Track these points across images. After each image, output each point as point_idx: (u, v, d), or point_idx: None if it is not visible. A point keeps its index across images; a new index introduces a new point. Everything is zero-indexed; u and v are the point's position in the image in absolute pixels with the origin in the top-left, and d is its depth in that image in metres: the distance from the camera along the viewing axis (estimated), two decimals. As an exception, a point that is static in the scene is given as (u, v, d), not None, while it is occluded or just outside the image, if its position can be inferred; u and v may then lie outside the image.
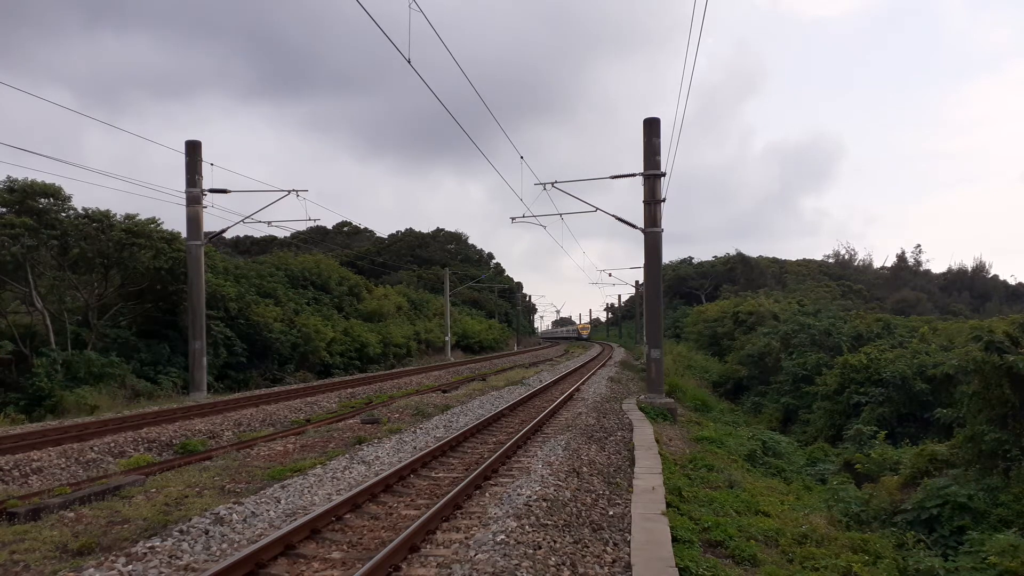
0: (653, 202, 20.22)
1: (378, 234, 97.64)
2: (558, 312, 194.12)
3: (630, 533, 7.48)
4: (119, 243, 24.46)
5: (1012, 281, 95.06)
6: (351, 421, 16.45)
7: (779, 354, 34.63)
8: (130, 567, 5.95)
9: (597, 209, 22.92)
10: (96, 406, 19.32)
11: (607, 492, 9.44)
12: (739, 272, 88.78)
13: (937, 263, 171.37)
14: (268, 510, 7.93)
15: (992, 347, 13.80)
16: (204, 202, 24.70)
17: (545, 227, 54.31)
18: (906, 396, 21.50)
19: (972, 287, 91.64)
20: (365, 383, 27.01)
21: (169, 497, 8.72)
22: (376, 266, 75.50)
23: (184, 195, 24.55)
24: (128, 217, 25.60)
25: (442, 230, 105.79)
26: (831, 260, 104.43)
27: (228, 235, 46.34)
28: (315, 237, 79.93)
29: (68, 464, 11.78)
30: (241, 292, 30.90)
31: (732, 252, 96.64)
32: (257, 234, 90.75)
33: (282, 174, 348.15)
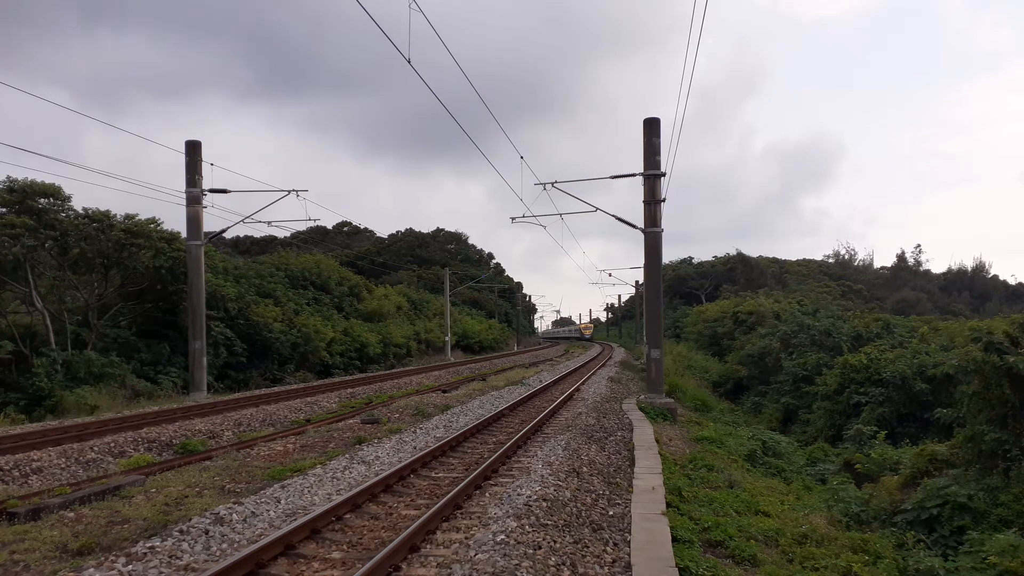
0: (653, 202, 20.22)
1: (378, 234, 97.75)
2: (558, 312, 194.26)
3: (630, 533, 7.48)
4: (119, 243, 24.46)
5: (1012, 281, 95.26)
6: (351, 421, 16.45)
7: (779, 354, 34.63)
8: (130, 567, 5.95)
9: (597, 209, 22.93)
10: (96, 406, 19.31)
11: (607, 492, 9.44)
12: (739, 272, 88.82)
13: (937, 263, 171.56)
14: (268, 510, 7.93)
15: (992, 347, 13.80)
16: (204, 202, 24.70)
17: (545, 227, 54.38)
18: (906, 396, 21.49)
19: (972, 287, 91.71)
20: (365, 383, 27.01)
21: (169, 497, 8.72)
22: (376, 266, 75.51)
23: (184, 195, 24.56)
24: (128, 217, 25.59)
25: (442, 230, 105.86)
26: (831, 260, 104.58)
27: (228, 235, 46.35)
28: (315, 237, 79.93)
29: (68, 464, 11.78)
30: (241, 292, 30.90)
31: (732, 252, 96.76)
32: (257, 234, 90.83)
33: (281, 174, 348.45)
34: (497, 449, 11.84)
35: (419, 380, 29.79)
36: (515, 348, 78.52)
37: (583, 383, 25.80)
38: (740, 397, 36.27)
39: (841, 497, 13.67)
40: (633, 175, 20.87)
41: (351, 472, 10.14)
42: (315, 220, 42.36)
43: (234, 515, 7.59)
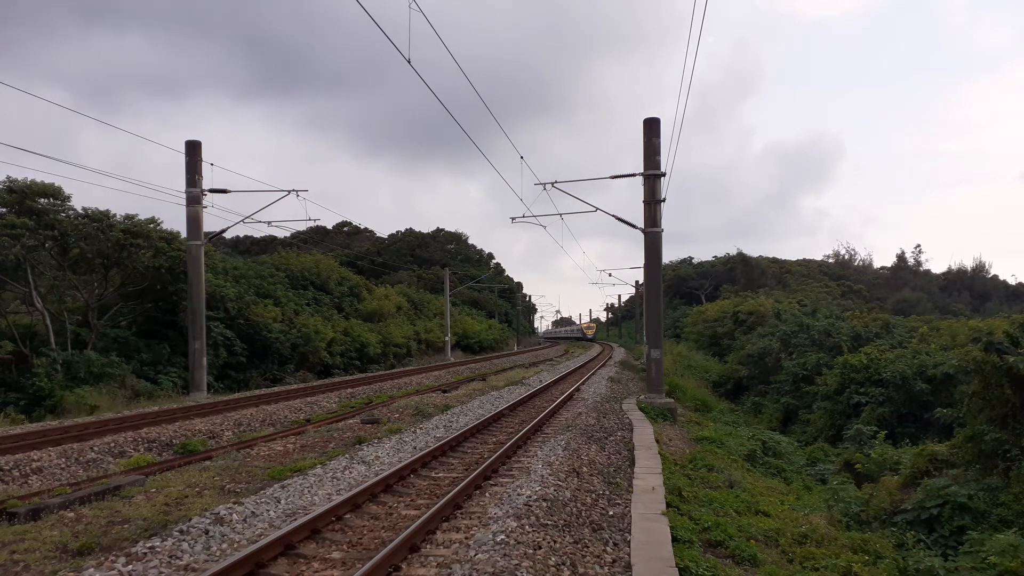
0: (653, 202, 20.22)
1: (378, 234, 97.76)
2: (558, 312, 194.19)
3: (630, 533, 7.48)
4: (119, 243, 24.46)
5: (1012, 281, 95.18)
6: (351, 421, 16.45)
7: (779, 354, 34.64)
8: (130, 567, 5.94)
9: (597, 209, 22.93)
10: (96, 406, 19.31)
11: (607, 492, 9.44)
12: (739, 272, 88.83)
13: (937, 263, 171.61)
14: (268, 510, 7.93)
15: (992, 347, 13.82)
16: (204, 202, 24.70)
17: (545, 227, 54.34)
18: (906, 396, 21.50)
19: (972, 287, 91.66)
20: (365, 383, 27.00)
21: (169, 497, 8.72)
22: (376, 266, 75.51)
23: (184, 195, 24.55)
24: (128, 217, 25.60)
25: (442, 230, 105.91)
26: (831, 260, 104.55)
27: (228, 235, 46.36)
28: (315, 237, 79.91)
29: (68, 464, 11.78)
30: (241, 292, 30.90)
31: (732, 252, 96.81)
32: (257, 234, 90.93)
33: (280, 174, 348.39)
34: (497, 449, 11.84)
35: (419, 380, 29.78)
36: (515, 348, 78.51)
37: (583, 383, 25.80)
38: (740, 397, 36.28)
39: (841, 497, 13.68)
40: (633, 175, 20.88)
41: (351, 472, 10.14)
42: (315, 220, 42.36)
43: (234, 515, 7.59)
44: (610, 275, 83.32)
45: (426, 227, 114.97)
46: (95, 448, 12.76)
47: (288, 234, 59.19)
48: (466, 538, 6.91)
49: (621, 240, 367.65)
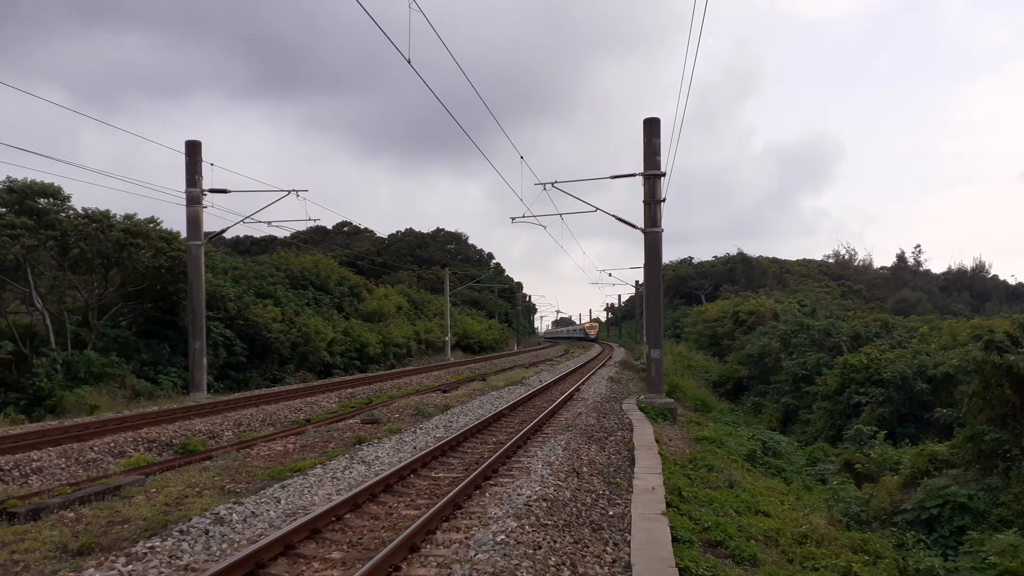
0: (653, 202, 20.22)
1: (378, 234, 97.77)
2: (558, 312, 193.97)
3: (630, 533, 7.48)
4: (119, 243, 24.46)
5: (1012, 281, 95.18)
6: (351, 421, 16.45)
7: (779, 354, 34.64)
8: (130, 567, 5.94)
9: (597, 209, 22.93)
10: (96, 406, 19.31)
11: (607, 492, 9.44)
12: (739, 272, 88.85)
13: (937, 263, 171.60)
14: (268, 510, 7.93)
15: (992, 347, 13.81)
16: (204, 202, 24.71)
17: (545, 227, 54.35)
18: (906, 396, 21.50)
19: (972, 287, 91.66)
20: (365, 383, 27.00)
21: (169, 497, 8.72)
22: (376, 266, 75.51)
23: (184, 195, 24.56)
24: (127, 217, 25.61)
25: (442, 230, 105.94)
26: (831, 260, 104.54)
27: (228, 235, 46.35)
28: (315, 237, 79.93)
29: (68, 464, 11.78)
30: (240, 292, 30.90)
31: (732, 252, 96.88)
32: (257, 234, 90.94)
33: (280, 174, 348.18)
34: (497, 449, 11.84)
35: (419, 380, 29.78)
36: (515, 348, 78.51)
37: (583, 383, 25.80)
38: (740, 397, 36.28)
39: (841, 497, 13.68)
40: (633, 175, 20.88)
41: (351, 472, 10.14)
42: (315, 220, 42.42)
43: (234, 515, 7.59)
44: (610, 275, 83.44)
45: (426, 227, 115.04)
46: (95, 448, 12.76)
47: (288, 234, 59.24)
48: (466, 538, 6.91)
49: (621, 240, 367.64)
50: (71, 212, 24.34)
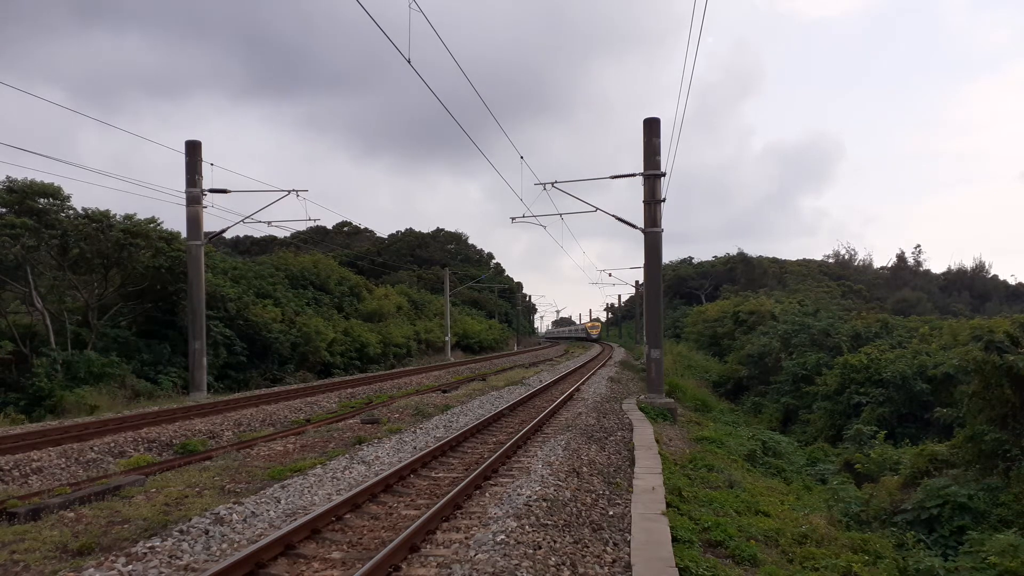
0: (653, 202, 20.22)
1: (378, 234, 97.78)
2: (558, 312, 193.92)
3: (630, 533, 7.48)
4: (119, 243, 24.46)
5: (1012, 281, 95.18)
6: (351, 421, 16.45)
7: (779, 354, 34.64)
8: (130, 567, 5.94)
9: (597, 209, 22.93)
10: (96, 406, 19.31)
11: (607, 492, 9.44)
12: (739, 272, 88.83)
13: (937, 263, 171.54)
14: (268, 510, 7.93)
15: (992, 347, 13.82)
16: (204, 202, 24.71)
17: (545, 227, 54.34)
18: (906, 396, 21.51)
19: (972, 287, 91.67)
20: (365, 383, 27.00)
21: (169, 497, 8.72)
22: (376, 266, 75.52)
23: (184, 195, 24.56)
24: (127, 217, 25.61)
25: (442, 230, 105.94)
26: (831, 260, 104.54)
27: (228, 235, 46.34)
28: (315, 237, 79.95)
29: (68, 464, 11.78)
30: (240, 292, 30.90)
31: (732, 252, 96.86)
32: (257, 234, 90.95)
33: (279, 174, 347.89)
34: (497, 449, 11.84)
35: (419, 380, 29.78)
36: (515, 348, 78.50)
37: (583, 383, 25.80)
38: (740, 397, 36.29)
39: (841, 497, 13.68)
40: (633, 175, 20.88)
41: (351, 472, 10.14)
42: (315, 220, 42.38)
43: (234, 515, 7.59)
44: (610, 275, 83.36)
45: (426, 227, 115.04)
46: (95, 448, 12.76)
47: (288, 234, 59.23)
48: (466, 538, 6.91)
49: (621, 240, 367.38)
50: (71, 212, 24.35)
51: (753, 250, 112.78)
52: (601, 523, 7.92)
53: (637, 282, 68.98)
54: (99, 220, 24.39)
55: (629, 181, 24.23)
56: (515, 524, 7.14)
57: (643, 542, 7.02)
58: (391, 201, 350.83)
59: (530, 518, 7.40)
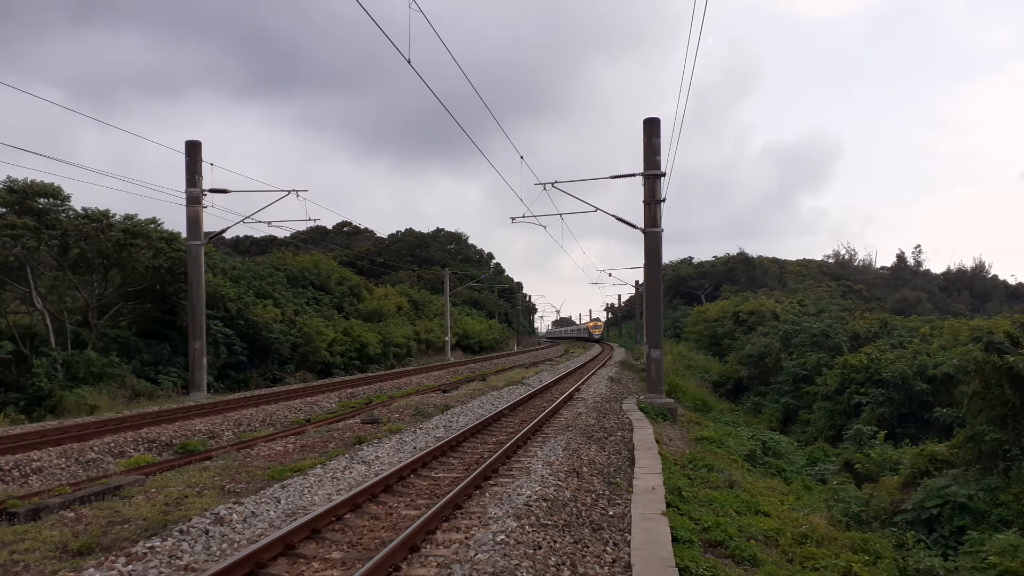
0: (653, 202, 20.22)
1: (378, 234, 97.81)
2: (558, 312, 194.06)
3: (630, 533, 7.48)
4: (119, 243, 24.47)
5: (1012, 281, 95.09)
6: (351, 421, 16.45)
7: (779, 354, 34.65)
8: (130, 567, 5.95)
9: (597, 209, 22.93)
10: (96, 406, 19.32)
11: (607, 492, 9.44)
12: (740, 272, 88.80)
13: (937, 263, 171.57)
14: (268, 510, 7.93)
15: (992, 347, 13.81)
16: (204, 202, 24.72)
17: (545, 227, 54.32)
18: (906, 396, 21.51)
19: (972, 287, 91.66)
20: (365, 383, 27.01)
21: (169, 497, 8.72)
22: (376, 266, 75.54)
23: (184, 195, 24.57)
24: (128, 217, 25.62)
25: (442, 230, 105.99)
26: (831, 260, 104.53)
27: (228, 235, 46.32)
28: (315, 237, 79.98)
29: (68, 464, 11.78)
30: (240, 293, 30.91)
31: (732, 252, 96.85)
32: (257, 234, 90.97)
33: (278, 174, 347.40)
34: (497, 449, 11.84)
35: (419, 380, 29.79)
36: (515, 348, 78.51)
37: (583, 383, 25.80)
38: (740, 397, 36.29)
39: (841, 497, 13.68)
40: (633, 175, 20.88)
41: (351, 472, 10.15)
42: (315, 220, 42.33)
43: (234, 515, 7.59)
44: (610, 275, 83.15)
45: (426, 227, 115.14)
46: (95, 448, 12.77)
47: (288, 234, 59.26)
48: (466, 538, 6.91)
49: (621, 240, 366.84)
50: (71, 212, 24.34)
51: (753, 250, 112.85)
52: (601, 523, 7.92)
53: (637, 282, 69.03)
54: (99, 220, 24.39)
55: (629, 181, 24.25)
56: (515, 524, 7.14)
57: (643, 542, 7.02)
58: (390, 201, 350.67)
59: (530, 518, 7.40)
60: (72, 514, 8.01)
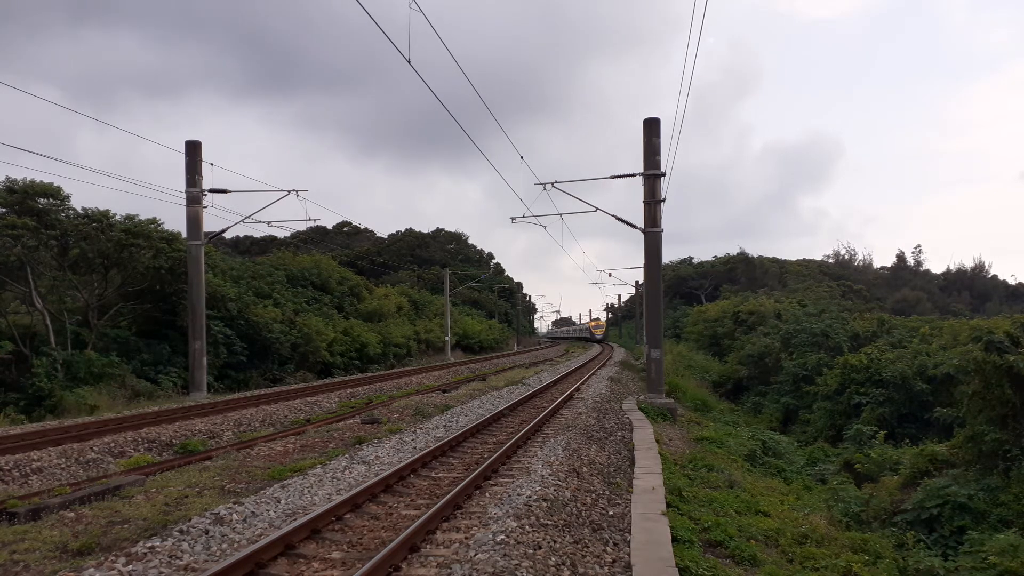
0: (653, 202, 20.22)
1: (378, 234, 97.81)
2: (557, 312, 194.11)
3: (630, 533, 7.48)
4: (119, 243, 24.47)
5: (1012, 281, 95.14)
6: (351, 421, 16.46)
7: (779, 354, 34.65)
8: (130, 567, 5.95)
9: (597, 209, 22.93)
10: (96, 406, 19.32)
11: (607, 492, 9.44)
12: (740, 272, 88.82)
13: (937, 263, 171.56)
14: (268, 510, 7.93)
15: (992, 347, 13.82)
16: (204, 202, 24.72)
17: (545, 227, 54.32)
18: (906, 396, 21.52)
19: (972, 287, 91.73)
20: (365, 383, 27.01)
21: (169, 497, 8.72)
22: (376, 266, 75.55)
23: (184, 195, 24.57)
24: (128, 217, 25.63)
25: (442, 230, 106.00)
26: (831, 260, 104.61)
27: (228, 235, 46.33)
28: (315, 237, 79.97)
29: (68, 464, 11.78)
30: (240, 292, 30.91)
31: (732, 252, 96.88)
32: (257, 234, 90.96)
33: (277, 174, 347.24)
34: (497, 449, 11.84)
35: (419, 380, 29.80)
36: (515, 348, 78.51)
37: (583, 383, 25.80)
38: (740, 397, 36.29)
39: (841, 497, 13.69)
40: (633, 175, 20.89)
41: (351, 472, 10.15)
42: (315, 220, 42.27)
43: (234, 515, 7.59)
44: (610, 275, 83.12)
45: (426, 227, 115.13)
46: (95, 448, 12.77)
47: (288, 234, 59.26)
48: (466, 538, 6.91)
49: (621, 240, 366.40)
50: (71, 212, 24.35)
51: (753, 250, 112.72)
52: (601, 523, 7.92)
53: (637, 282, 69.03)
54: (99, 220, 24.40)
55: (629, 181, 24.27)
56: (515, 524, 7.14)
57: (643, 542, 7.02)
58: (389, 201, 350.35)
59: (530, 518, 7.40)
60: (72, 514, 8.01)
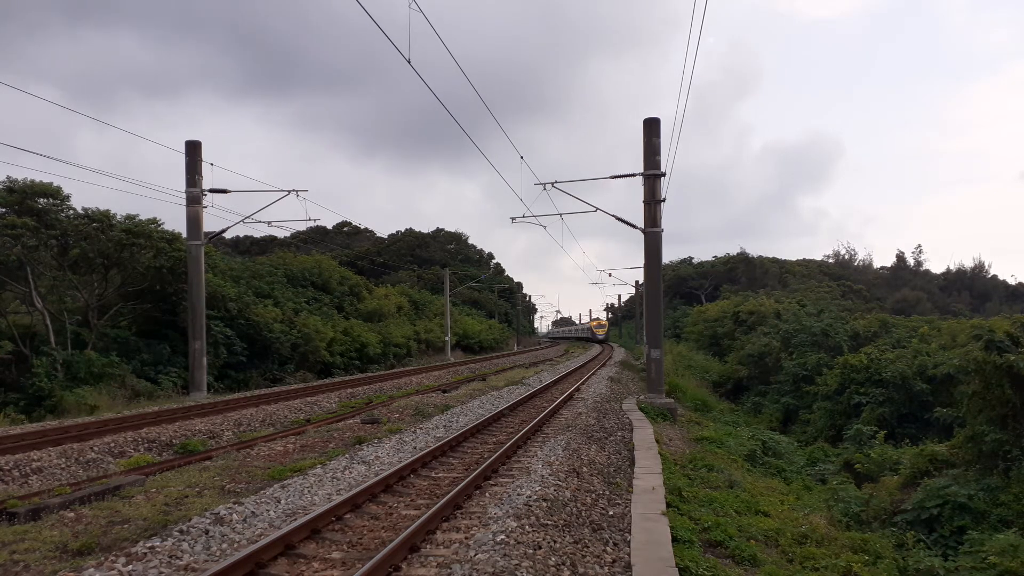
0: (653, 202, 20.22)
1: (378, 234, 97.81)
2: (558, 312, 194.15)
3: (630, 533, 7.48)
4: (119, 243, 24.47)
5: (1012, 281, 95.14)
6: (351, 421, 16.45)
7: (779, 354, 34.65)
8: (130, 567, 5.95)
9: (597, 209, 22.93)
10: (96, 406, 19.32)
11: (607, 492, 9.44)
12: (740, 272, 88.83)
13: (937, 263, 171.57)
14: (268, 510, 7.93)
15: (992, 346, 13.82)
16: (204, 202, 24.72)
17: (545, 227, 54.30)
18: (906, 396, 21.52)
19: (972, 287, 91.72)
20: (365, 383, 27.01)
21: (169, 497, 8.72)
22: (376, 266, 75.54)
23: (184, 195, 24.57)
24: (129, 217, 25.63)
25: (442, 230, 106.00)
26: (831, 260, 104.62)
27: (228, 235, 46.31)
28: (315, 237, 79.97)
29: (68, 464, 11.78)
30: (240, 292, 30.92)
31: (732, 252, 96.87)
32: (257, 234, 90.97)
33: (277, 174, 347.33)
34: (497, 449, 11.84)
35: (419, 380, 29.79)
36: (515, 348, 78.49)
37: (583, 383, 25.80)
38: (740, 397, 36.29)
39: (841, 497, 13.69)
40: (633, 175, 20.89)
41: (351, 472, 10.15)
42: (315, 220, 42.29)
43: (234, 515, 7.59)
44: (610, 275, 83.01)
45: (425, 227, 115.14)
46: (95, 448, 12.77)
47: (288, 234, 59.24)
48: (466, 538, 6.91)
49: (621, 240, 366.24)
50: (71, 212, 24.35)
51: (753, 250, 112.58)
52: (601, 523, 7.92)
53: (637, 282, 69.00)
54: (99, 220, 24.40)
55: (628, 181, 24.28)
56: (515, 524, 7.14)
57: (643, 542, 7.02)
58: (389, 201, 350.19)
59: (530, 518, 7.40)
60: (72, 514, 8.01)
